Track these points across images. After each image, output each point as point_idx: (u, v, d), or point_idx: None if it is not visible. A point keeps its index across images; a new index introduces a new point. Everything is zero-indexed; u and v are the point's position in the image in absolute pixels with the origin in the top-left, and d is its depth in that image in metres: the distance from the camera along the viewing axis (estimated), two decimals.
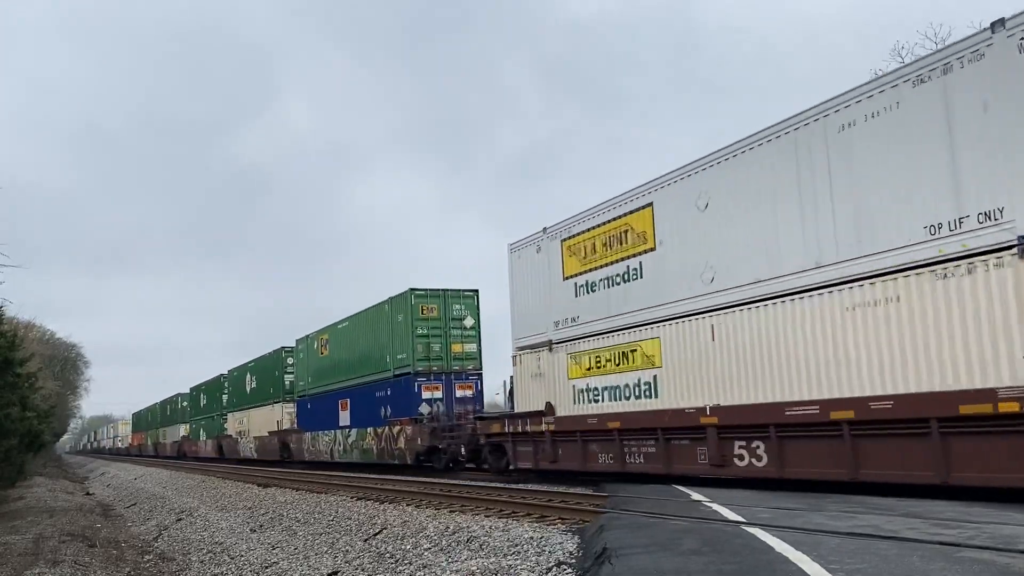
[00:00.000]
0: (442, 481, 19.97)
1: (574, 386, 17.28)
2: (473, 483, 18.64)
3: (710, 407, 13.66)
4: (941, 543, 6.74)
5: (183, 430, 62.28)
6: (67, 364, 76.89)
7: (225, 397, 49.03)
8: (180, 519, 21.28)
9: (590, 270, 17.06)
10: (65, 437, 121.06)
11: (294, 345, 36.94)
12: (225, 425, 48.14)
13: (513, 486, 17.19)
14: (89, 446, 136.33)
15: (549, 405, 17.93)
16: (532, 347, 18.84)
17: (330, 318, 33.12)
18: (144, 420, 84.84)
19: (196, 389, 58.60)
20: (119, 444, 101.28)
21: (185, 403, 62.70)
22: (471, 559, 9.30)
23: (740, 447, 13.10)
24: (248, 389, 43.80)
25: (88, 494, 35.34)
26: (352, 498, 17.97)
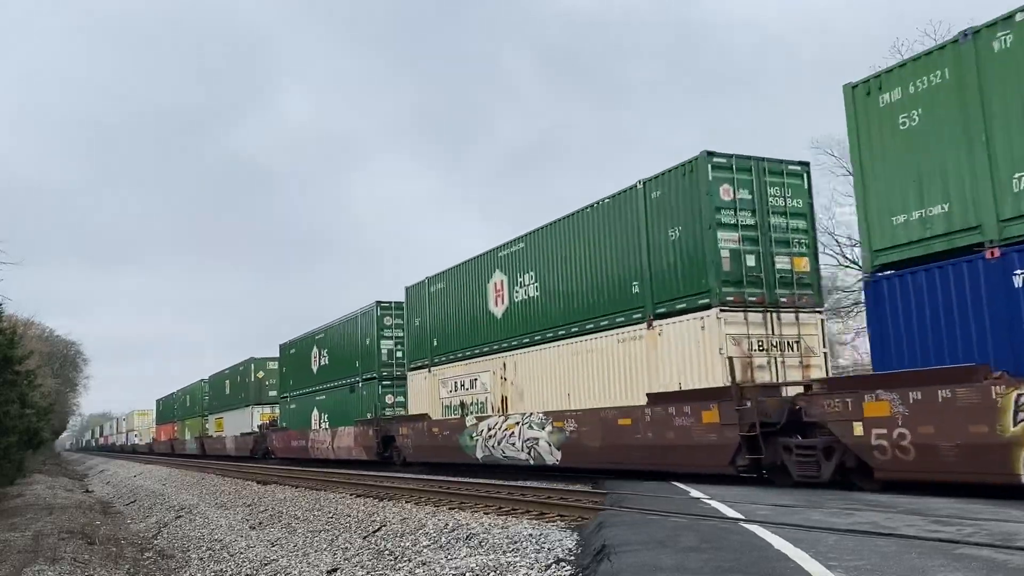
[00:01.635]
0: (441, 478, 19.97)
1: None
2: (472, 480, 18.63)
3: None
4: (940, 540, 6.74)
5: (260, 415, 41.01)
6: (66, 361, 76.74)
7: (386, 346, 27.30)
8: (179, 516, 21.27)
9: None
10: (65, 434, 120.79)
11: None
12: (393, 399, 27.38)
13: (512, 483, 17.19)
14: (93, 443, 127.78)
15: None
16: None
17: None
18: (179, 406, 63.68)
19: (301, 344, 35.65)
20: (136, 440, 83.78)
21: (262, 372, 41.99)
22: (470, 556, 9.30)
23: None
24: (496, 313, 20.84)
25: (87, 491, 35.33)
26: (351, 495, 17.97)
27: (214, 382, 51.81)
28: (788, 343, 14.91)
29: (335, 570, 10.92)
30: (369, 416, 27.14)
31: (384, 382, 27.92)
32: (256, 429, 40.01)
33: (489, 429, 19.81)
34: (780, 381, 14.26)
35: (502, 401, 20.50)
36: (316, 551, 12.50)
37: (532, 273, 19.61)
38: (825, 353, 15.20)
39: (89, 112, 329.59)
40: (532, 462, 18.30)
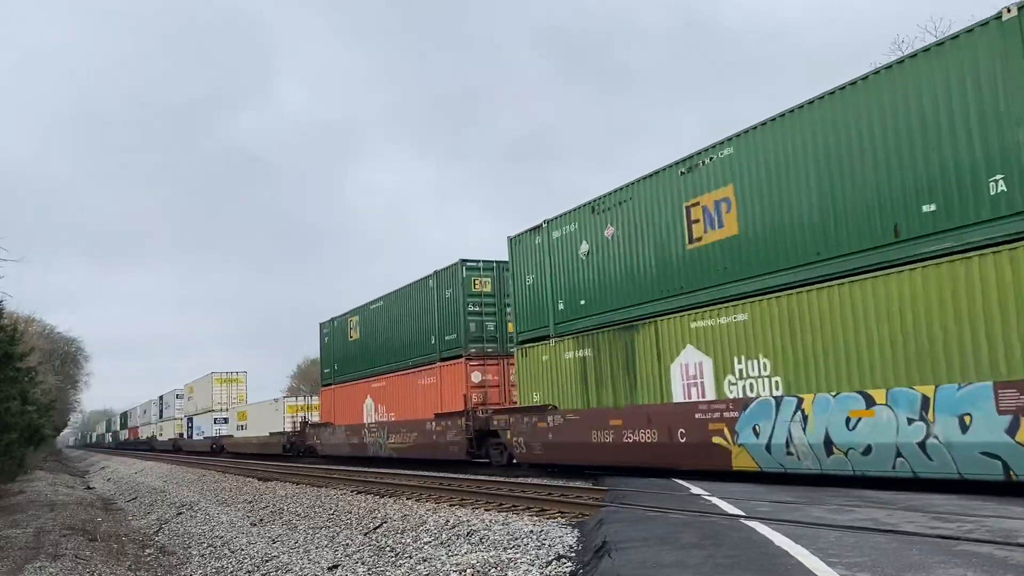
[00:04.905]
0: (442, 475, 20.00)
1: None
2: (473, 477, 18.66)
3: None
4: (940, 536, 6.75)
5: None
6: (67, 358, 76.85)
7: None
8: (180, 513, 21.31)
9: None
10: (66, 431, 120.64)
11: None
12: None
13: (513, 480, 17.21)
14: (108, 438, 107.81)
15: None
16: None
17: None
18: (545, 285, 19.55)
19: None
20: (224, 429, 48.05)
21: None
22: (471, 552, 9.31)
23: None
24: None
25: (88, 488, 35.39)
26: (352, 492, 18.00)
27: None
28: None
29: (336, 566, 10.94)
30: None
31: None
32: None
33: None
34: None
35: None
36: (317, 548, 12.52)
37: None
38: None
39: (87, 106, 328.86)
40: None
